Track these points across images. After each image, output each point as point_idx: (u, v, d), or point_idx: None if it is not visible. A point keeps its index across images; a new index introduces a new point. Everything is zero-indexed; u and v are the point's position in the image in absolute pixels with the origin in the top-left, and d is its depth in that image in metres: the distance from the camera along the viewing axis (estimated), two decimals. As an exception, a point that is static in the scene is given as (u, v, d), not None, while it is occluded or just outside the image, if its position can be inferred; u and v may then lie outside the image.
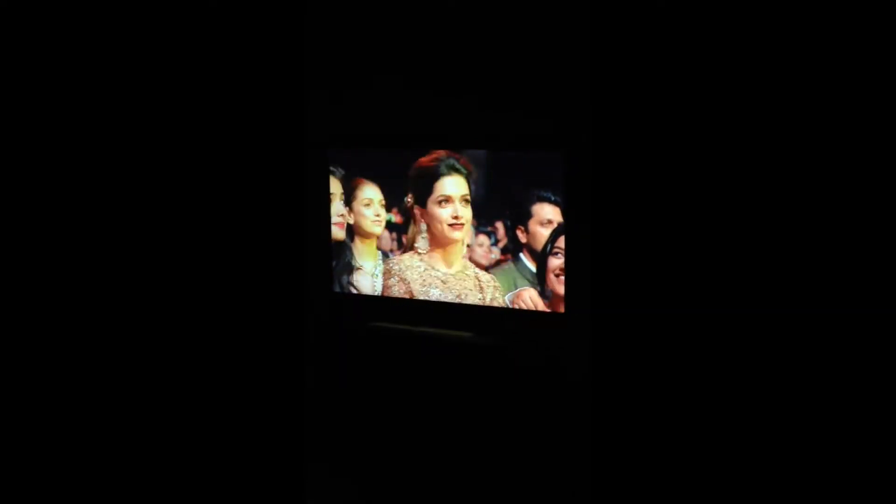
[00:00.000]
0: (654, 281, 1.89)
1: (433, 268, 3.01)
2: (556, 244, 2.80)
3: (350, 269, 3.16)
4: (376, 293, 3.13)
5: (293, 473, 1.87)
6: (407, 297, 3.06)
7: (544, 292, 2.85)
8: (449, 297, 2.99)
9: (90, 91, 1.62)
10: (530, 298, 2.87)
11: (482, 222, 2.90)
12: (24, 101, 1.57)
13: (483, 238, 2.91)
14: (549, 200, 2.78)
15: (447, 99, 3.08)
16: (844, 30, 1.71)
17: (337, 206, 3.13)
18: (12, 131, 1.56)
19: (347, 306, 3.33)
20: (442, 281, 3.00)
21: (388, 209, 3.05)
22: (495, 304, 2.93)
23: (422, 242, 3.01)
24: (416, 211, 2.98)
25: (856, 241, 1.74)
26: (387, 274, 3.10)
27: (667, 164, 1.87)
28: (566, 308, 2.83)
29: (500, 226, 2.88)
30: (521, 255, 2.87)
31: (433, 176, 2.93)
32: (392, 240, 3.07)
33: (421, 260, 3.02)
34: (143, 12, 1.64)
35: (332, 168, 3.14)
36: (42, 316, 1.60)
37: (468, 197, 2.90)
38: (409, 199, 2.99)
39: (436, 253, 3.00)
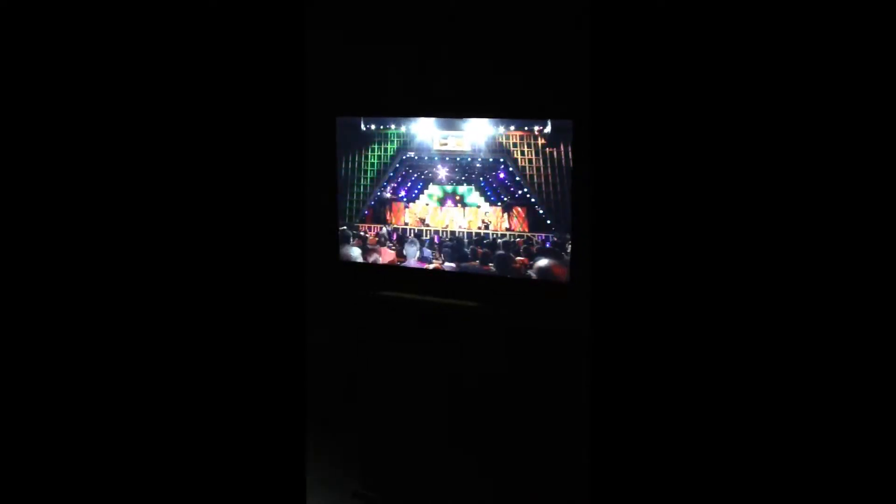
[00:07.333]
0: (656, 252, 1.88)
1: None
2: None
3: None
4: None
5: (295, 444, 1.88)
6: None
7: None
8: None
9: (94, 59, 1.60)
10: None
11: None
12: (24, 98, 1.55)
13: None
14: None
15: (457, 68, 3.06)
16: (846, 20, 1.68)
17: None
18: (12, 130, 1.56)
19: (352, 275, 3.35)
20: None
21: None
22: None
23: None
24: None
25: (854, 233, 1.74)
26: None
27: (671, 140, 1.85)
28: (569, 278, 2.87)
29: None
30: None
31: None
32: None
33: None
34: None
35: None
36: (40, 308, 1.59)
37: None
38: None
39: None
